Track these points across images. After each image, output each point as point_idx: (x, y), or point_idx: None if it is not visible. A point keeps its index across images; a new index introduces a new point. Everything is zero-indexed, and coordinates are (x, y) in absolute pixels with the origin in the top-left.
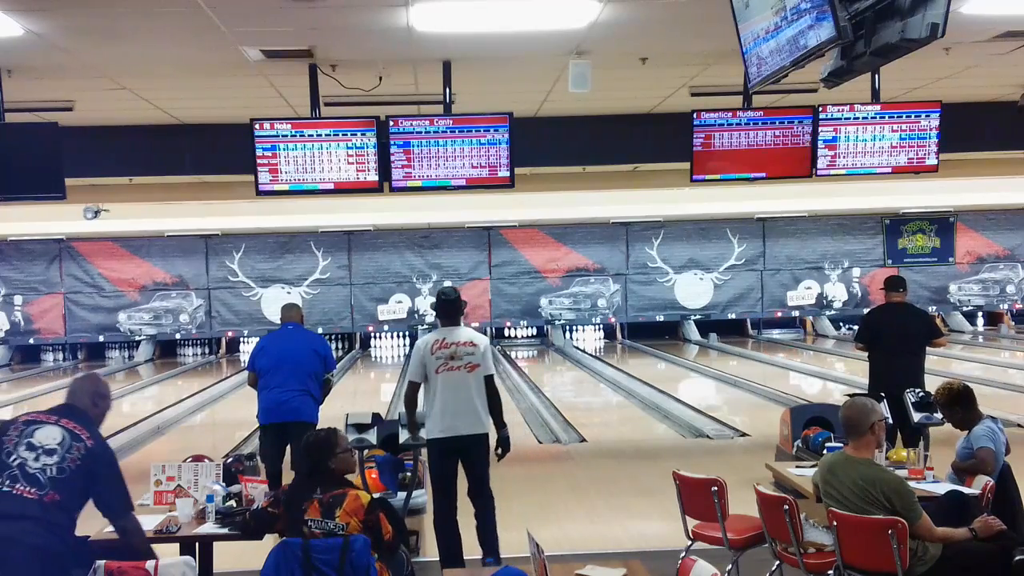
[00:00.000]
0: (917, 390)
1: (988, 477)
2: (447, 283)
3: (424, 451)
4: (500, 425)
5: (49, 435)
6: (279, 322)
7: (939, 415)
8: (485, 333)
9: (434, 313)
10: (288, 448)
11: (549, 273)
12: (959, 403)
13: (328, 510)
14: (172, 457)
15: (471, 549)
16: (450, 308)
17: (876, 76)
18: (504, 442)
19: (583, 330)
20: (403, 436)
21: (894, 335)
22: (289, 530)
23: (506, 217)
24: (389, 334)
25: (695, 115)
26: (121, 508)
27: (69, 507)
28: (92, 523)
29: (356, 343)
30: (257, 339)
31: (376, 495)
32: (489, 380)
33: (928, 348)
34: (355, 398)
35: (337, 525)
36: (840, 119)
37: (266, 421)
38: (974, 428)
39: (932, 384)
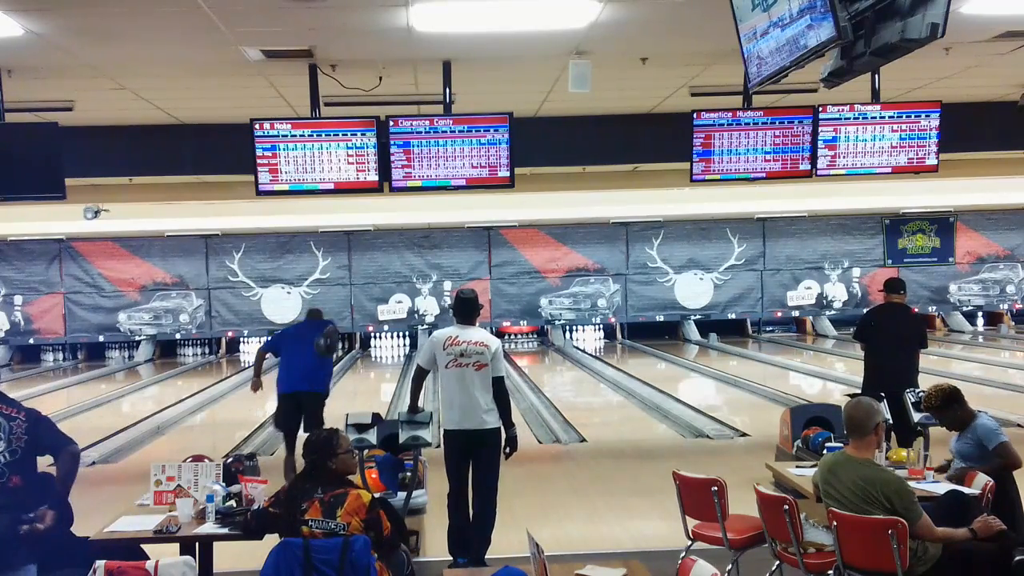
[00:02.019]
0: (917, 390)
1: (988, 477)
2: (447, 283)
3: (424, 451)
4: (508, 425)
5: None
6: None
7: None
8: None
9: (435, 313)
10: (303, 415)
11: (549, 273)
12: (956, 401)
13: (330, 510)
14: (172, 457)
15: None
16: (465, 308)
17: (876, 76)
18: (512, 441)
19: (583, 330)
20: (403, 436)
21: (889, 335)
22: (287, 529)
23: (506, 217)
24: (389, 334)
25: (695, 115)
26: (65, 441)
27: (31, 480)
28: (92, 523)
29: (356, 343)
30: (256, 339)
31: (376, 495)
32: (498, 381)
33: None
34: (355, 398)
35: (339, 525)
36: (840, 119)
37: (284, 390)
38: (976, 423)
39: (926, 384)
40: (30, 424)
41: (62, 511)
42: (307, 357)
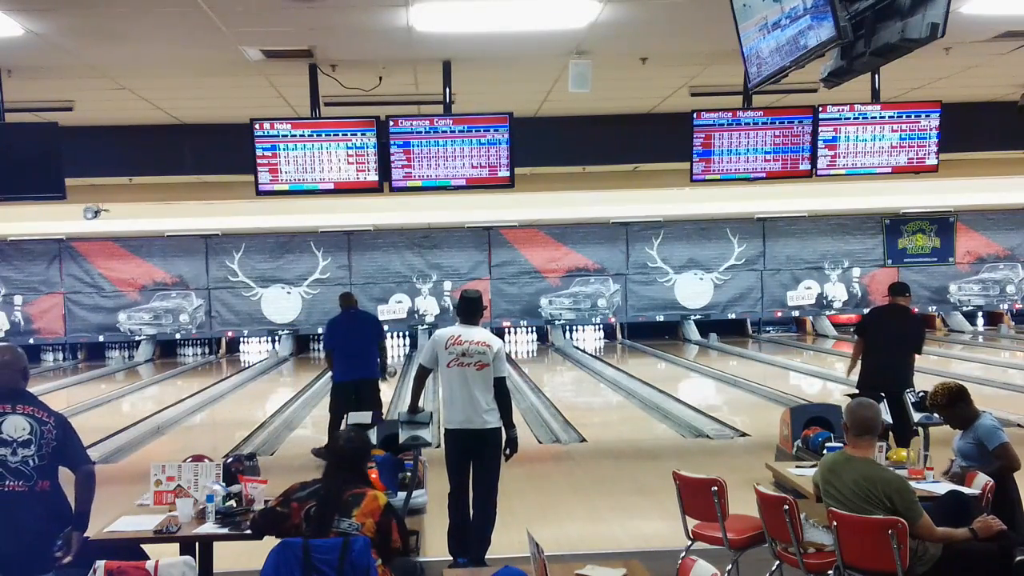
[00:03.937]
0: (917, 390)
1: (988, 477)
2: (447, 283)
3: (424, 451)
4: (509, 426)
5: (16, 426)
6: (340, 309)
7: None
8: None
9: (435, 313)
10: (362, 398)
11: (549, 273)
12: (962, 399)
13: (346, 509)
14: (172, 457)
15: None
16: (469, 307)
17: (876, 76)
18: (512, 443)
19: (583, 330)
20: (403, 436)
21: (887, 334)
22: (314, 527)
23: (506, 217)
24: (389, 334)
25: (695, 115)
26: (86, 457)
27: (57, 486)
28: (92, 523)
29: None
30: (256, 339)
31: None
32: (500, 382)
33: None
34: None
35: (353, 524)
36: (840, 119)
37: (342, 379)
38: (978, 423)
39: (927, 383)
40: (58, 430)
41: (84, 529)
42: (359, 347)
